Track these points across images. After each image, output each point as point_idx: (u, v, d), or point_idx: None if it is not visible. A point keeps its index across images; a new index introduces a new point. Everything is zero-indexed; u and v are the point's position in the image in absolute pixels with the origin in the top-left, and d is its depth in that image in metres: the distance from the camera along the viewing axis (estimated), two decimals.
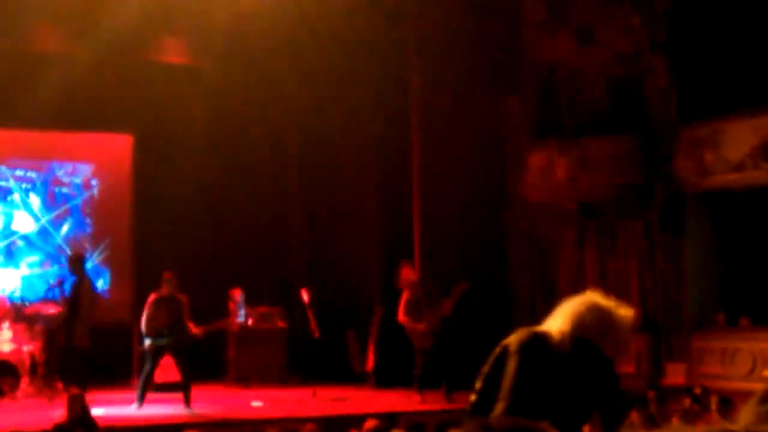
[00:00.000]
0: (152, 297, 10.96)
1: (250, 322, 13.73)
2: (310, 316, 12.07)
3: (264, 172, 15.14)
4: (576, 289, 13.87)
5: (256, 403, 11.47)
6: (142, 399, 10.65)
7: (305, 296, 12.28)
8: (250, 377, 13.33)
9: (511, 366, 3.75)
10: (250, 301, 13.78)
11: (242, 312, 13.69)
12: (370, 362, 13.16)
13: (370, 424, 7.73)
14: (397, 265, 12.41)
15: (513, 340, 3.82)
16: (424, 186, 12.97)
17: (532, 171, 13.11)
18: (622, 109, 12.80)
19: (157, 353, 10.83)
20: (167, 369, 11.41)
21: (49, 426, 8.44)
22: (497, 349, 3.84)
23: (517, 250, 13.49)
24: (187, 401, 10.75)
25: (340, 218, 14.57)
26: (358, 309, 13.87)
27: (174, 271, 11.22)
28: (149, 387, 10.98)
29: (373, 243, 13.87)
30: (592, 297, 3.99)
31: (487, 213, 13.22)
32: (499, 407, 3.78)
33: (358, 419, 9.02)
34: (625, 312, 3.94)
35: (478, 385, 3.86)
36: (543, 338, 3.84)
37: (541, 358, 3.79)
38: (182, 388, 10.87)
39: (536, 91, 13.48)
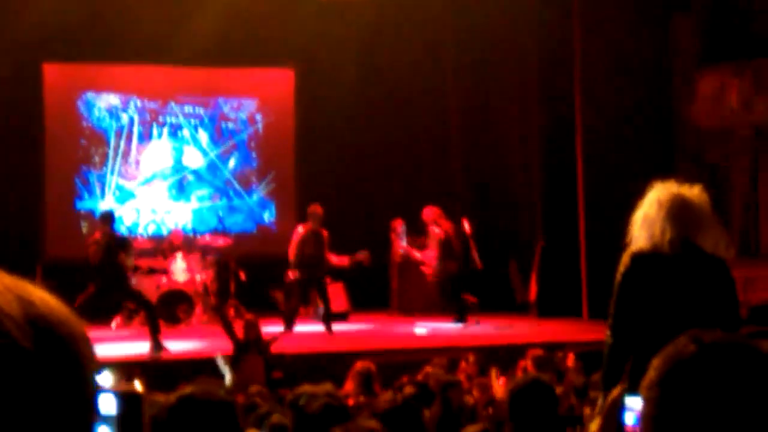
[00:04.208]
0: (302, 230, 11.37)
1: None
2: (472, 246, 12.03)
3: (423, 103, 15.06)
4: (749, 216, 13.20)
5: (419, 330, 11.59)
6: (290, 326, 11.06)
7: (467, 226, 12.23)
8: (413, 307, 13.45)
9: (618, 288, 4.08)
10: (412, 232, 13.83)
11: (404, 242, 13.77)
12: (533, 292, 13.04)
13: (535, 352, 7.69)
14: (558, 195, 12.23)
15: (620, 267, 4.13)
16: (588, 114, 12.59)
17: (702, 96, 12.53)
18: None
19: (306, 285, 11.26)
20: (332, 297, 11.74)
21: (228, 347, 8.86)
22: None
23: (686, 177, 12.97)
24: (329, 328, 11.16)
25: (502, 152, 14.38)
26: (520, 239, 13.73)
27: (326, 204, 11.63)
28: (296, 316, 11.35)
29: (535, 174, 13.64)
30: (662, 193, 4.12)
31: (654, 141, 12.74)
32: (608, 323, 4.12)
33: (523, 348, 8.97)
34: (696, 192, 3.94)
35: (610, 310, 4.18)
36: (641, 255, 4.06)
37: (645, 271, 4.04)
38: (329, 318, 11.31)
39: (707, 10, 12.82)
